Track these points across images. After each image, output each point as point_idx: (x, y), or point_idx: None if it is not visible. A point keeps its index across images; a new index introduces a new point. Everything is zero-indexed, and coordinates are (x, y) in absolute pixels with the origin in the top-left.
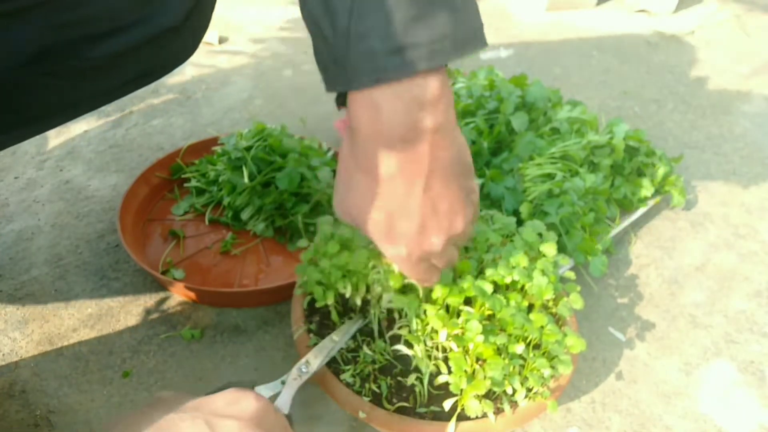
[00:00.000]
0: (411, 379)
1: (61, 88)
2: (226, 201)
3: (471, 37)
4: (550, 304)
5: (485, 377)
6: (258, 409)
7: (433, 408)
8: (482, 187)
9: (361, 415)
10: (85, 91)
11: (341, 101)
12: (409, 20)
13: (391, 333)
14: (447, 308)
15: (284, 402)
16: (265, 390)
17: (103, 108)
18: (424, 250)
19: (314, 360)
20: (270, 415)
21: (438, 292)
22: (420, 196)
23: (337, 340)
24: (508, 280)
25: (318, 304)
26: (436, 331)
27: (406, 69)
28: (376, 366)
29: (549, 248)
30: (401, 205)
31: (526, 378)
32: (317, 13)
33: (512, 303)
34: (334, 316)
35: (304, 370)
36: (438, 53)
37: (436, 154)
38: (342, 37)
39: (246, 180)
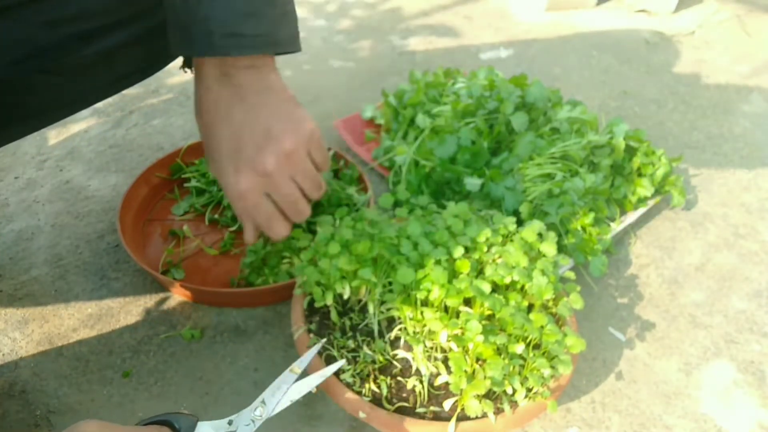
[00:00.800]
0: (411, 383)
1: (56, 85)
2: (226, 201)
3: (287, 40)
4: (550, 304)
5: (485, 377)
6: None
7: (433, 408)
8: (482, 187)
9: (361, 415)
10: (81, 88)
11: (186, 65)
12: (242, 15)
13: (390, 334)
14: (446, 309)
15: None
16: (209, 427)
17: (103, 108)
18: (259, 169)
19: (271, 399)
20: None
21: (435, 293)
22: (244, 117)
23: (299, 371)
24: (507, 280)
25: (317, 305)
26: (435, 332)
27: (232, 51)
28: (376, 366)
29: (549, 248)
30: (232, 131)
31: (526, 378)
32: None
33: (512, 303)
34: (333, 316)
35: (257, 414)
36: (258, 45)
37: (249, 83)
38: (189, 14)
39: None
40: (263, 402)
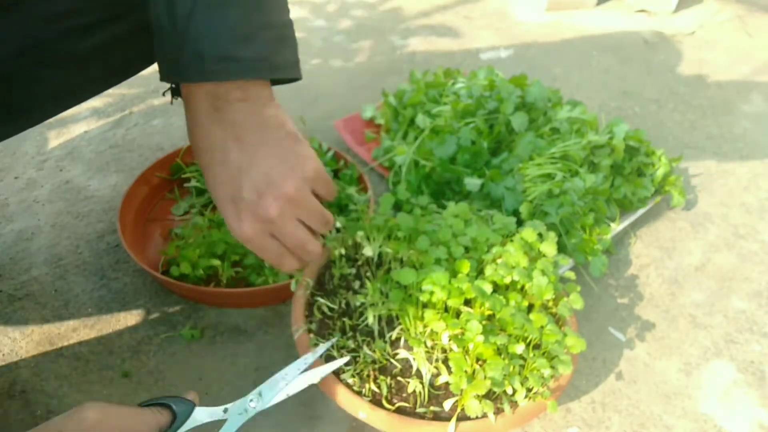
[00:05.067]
0: (412, 386)
1: (56, 78)
2: None
3: (285, 65)
4: (550, 304)
5: (485, 377)
6: None
7: (433, 408)
8: (482, 187)
9: (361, 415)
10: (80, 81)
11: (175, 93)
12: (237, 38)
13: (391, 334)
14: (446, 308)
15: None
16: (205, 413)
17: (103, 108)
18: (260, 215)
19: (269, 392)
20: None
21: (438, 295)
22: (241, 160)
23: (302, 368)
24: (507, 280)
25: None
26: (436, 333)
27: (224, 76)
28: (376, 366)
29: (549, 248)
30: (230, 174)
31: (526, 378)
32: (160, 11)
33: (512, 303)
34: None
35: (252, 405)
36: (254, 70)
37: (243, 121)
38: (179, 36)
39: None
40: (260, 394)
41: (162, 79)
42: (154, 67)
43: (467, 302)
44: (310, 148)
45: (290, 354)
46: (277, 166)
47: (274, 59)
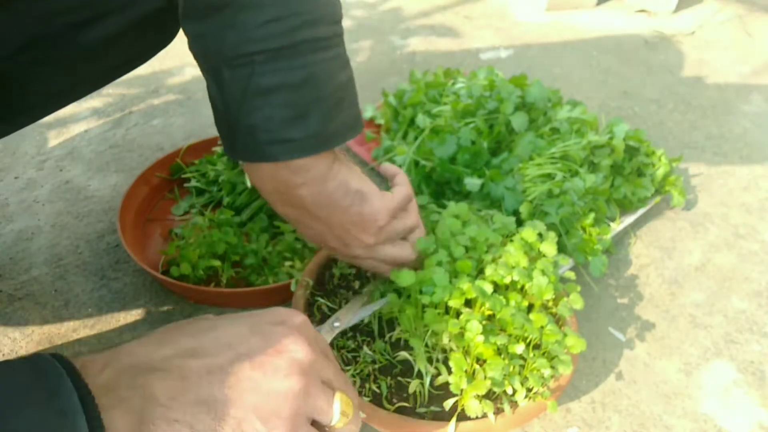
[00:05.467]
0: (413, 387)
1: (54, 75)
2: (226, 201)
3: (341, 132)
4: (550, 304)
5: (485, 377)
6: (303, 321)
7: (433, 408)
8: (482, 187)
9: (361, 415)
10: (78, 77)
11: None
12: (286, 121)
13: (391, 334)
14: (446, 309)
15: None
16: None
17: (103, 108)
18: (353, 257)
19: (344, 317)
20: (311, 328)
21: (439, 296)
22: (319, 227)
23: (366, 300)
24: (507, 280)
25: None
26: (437, 333)
27: (280, 158)
28: (376, 366)
29: (549, 248)
30: (314, 234)
31: (526, 378)
32: (214, 96)
33: (512, 303)
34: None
35: (336, 325)
36: (307, 148)
37: (311, 202)
38: (234, 122)
39: (246, 180)
40: (338, 318)
41: (225, 152)
42: (154, 67)
43: (467, 302)
44: (377, 197)
45: None
46: (351, 229)
47: (328, 129)
